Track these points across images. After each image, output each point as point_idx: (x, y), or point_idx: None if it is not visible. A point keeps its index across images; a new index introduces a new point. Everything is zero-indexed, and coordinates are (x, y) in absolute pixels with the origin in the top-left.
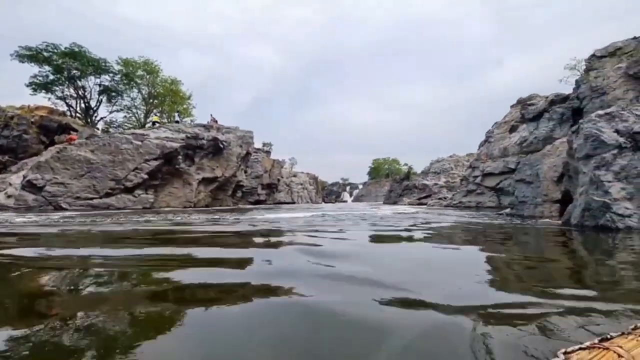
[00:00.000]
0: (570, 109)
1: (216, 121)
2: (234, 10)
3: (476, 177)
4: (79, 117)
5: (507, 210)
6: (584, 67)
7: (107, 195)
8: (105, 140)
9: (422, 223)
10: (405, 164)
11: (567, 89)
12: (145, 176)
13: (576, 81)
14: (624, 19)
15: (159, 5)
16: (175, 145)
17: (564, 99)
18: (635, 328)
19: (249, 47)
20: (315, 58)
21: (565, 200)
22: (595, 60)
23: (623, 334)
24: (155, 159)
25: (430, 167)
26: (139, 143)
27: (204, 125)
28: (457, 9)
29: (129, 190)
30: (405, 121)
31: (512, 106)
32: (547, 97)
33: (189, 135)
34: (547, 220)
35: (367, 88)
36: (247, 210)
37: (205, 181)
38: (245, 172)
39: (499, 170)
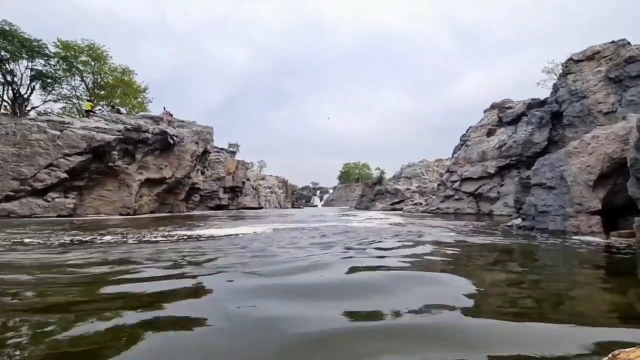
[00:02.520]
0: (549, 113)
1: (171, 115)
2: (200, 7)
3: (454, 182)
4: (5, 107)
5: (518, 222)
6: (560, 71)
7: (8, 199)
8: (8, 127)
9: (413, 243)
10: (378, 169)
11: (544, 93)
12: (64, 175)
13: (554, 85)
14: (566, 39)
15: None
16: (109, 138)
17: (541, 103)
18: None
19: (217, 45)
20: (285, 61)
21: (611, 210)
22: (572, 64)
23: None
24: (80, 154)
25: (402, 172)
26: (57, 133)
27: (152, 117)
28: (420, 24)
29: (39, 193)
30: (374, 127)
31: (486, 111)
32: (524, 101)
33: (129, 127)
34: (590, 238)
35: (336, 93)
36: (193, 219)
37: (150, 183)
38: (203, 173)
39: (478, 175)
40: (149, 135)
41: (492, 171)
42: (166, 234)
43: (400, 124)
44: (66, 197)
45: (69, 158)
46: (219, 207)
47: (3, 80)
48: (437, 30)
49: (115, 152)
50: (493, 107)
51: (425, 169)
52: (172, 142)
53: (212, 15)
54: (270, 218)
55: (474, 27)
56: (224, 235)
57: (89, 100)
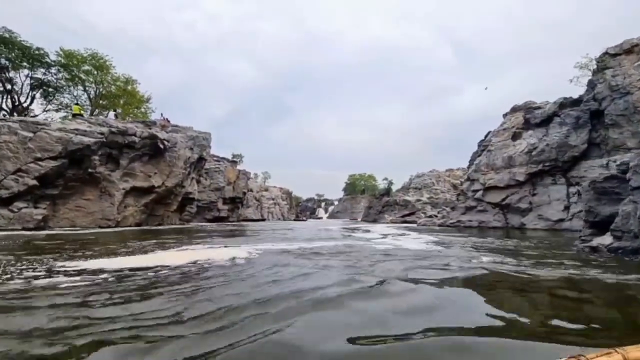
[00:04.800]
0: (587, 112)
1: (168, 121)
2: (206, 23)
3: (476, 191)
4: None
5: (606, 241)
6: (595, 66)
7: None
8: None
9: (465, 281)
10: (385, 179)
11: (576, 91)
12: (33, 182)
13: (590, 81)
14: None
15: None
16: (88, 140)
17: (575, 101)
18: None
19: (221, 60)
20: (287, 75)
21: None
22: (608, 58)
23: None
24: (54, 158)
25: (411, 182)
26: (29, 135)
27: (143, 122)
28: (419, 38)
29: (3, 202)
30: (378, 139)
31: (506, 114)
32: (555, 101)
33: (113, 129)
34: None
35: (339, 106)
36: (175, 233)
37: (137, 192)
38: (199, 182)
39: (504, 184)
40: (136, 139)
41: (522, 178)
42: (67, 265)
43: (403, 136)
44: (35, 207)
45: (40, 163)
46: (218, 219)
47: (2, 89)
48: (438, 43)
49: (96, 157)
50: (514, 109)
51: (436, 179)
52: (162, 146)
53: (216, 31)
54: (261, 236)
55: (473, 41)
56: (199, 262)
57: (76, 104)
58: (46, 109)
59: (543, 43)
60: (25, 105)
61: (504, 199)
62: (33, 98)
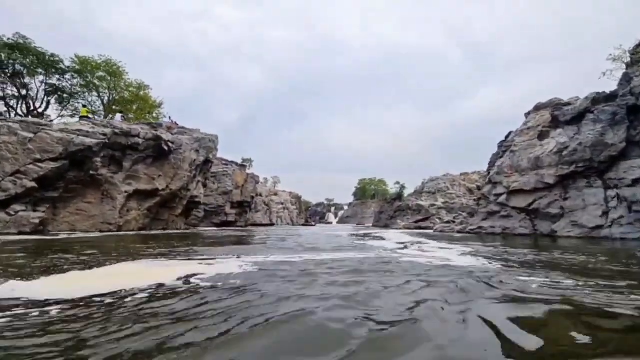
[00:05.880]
0: (624, 107)
1: (177, 124)
2: (218, 30)
3: (499, 195)
4: None
5: None
6: (629, 58)
7: None
8: None
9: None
10: (397, 182)
11: (609, 86)
12: (31, 184)
13: (625, 74)
14: (568, 58)
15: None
16: (90, 141)
17: (609, 96)
18: None
19: (234, 67)
20: (298, 80)
21: None
22: None
23: None
24: (54, 160)
25: (424, 186)
26: (29, 136)
27: (149, 124)
28: (430, 43)
29: (1, 205)
30: (388, 143)
31: (529, 113)
32: (586, 96)
33: (117, 131)
34: None
35: (349, 110)
36: (174, 239)
37: (140, 195)
38: (205, 185)
39: (531, 187)
40: (140, 140)
41: (551, 181)
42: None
43: (414, 140)
44: (34, 211)
45: (39, 164)
46: (225, 224)
47: (17, 94)
48: (449, 46)
49: (98, 159)
50: (538, 107)
51: (450, 183)
52: (166, 148)
53: (229, 39)
54: (257, 246)
55: (485, 43)
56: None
57: (84, 106)
58: (61, 115)
59: (557, 44)
60: (40, 110)
61: (531, 204)
62: (48, 104)
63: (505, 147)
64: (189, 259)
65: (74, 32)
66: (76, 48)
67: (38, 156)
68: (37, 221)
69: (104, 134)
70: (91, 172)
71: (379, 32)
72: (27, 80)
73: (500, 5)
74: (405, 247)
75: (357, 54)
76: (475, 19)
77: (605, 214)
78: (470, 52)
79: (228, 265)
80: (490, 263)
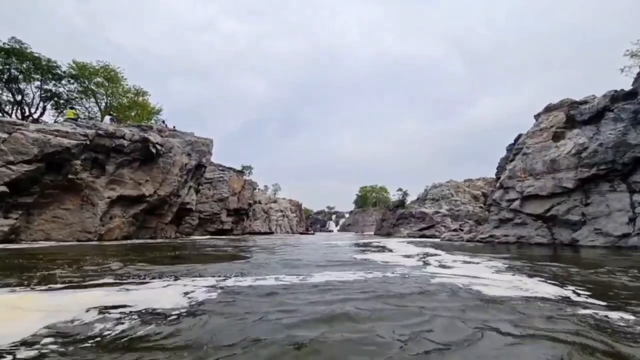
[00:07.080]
0: None
1: (174, 128)
2: (224, 42)
3: (511, 200)
4: None
5: None
6: None
7: None
8: None
9: None
10: (400, 189)
11: (627, 83)
12: (3, 188)
13: None
14: (569, 67)
15: (148, 35)
16: (68, 142)
17: (629, 94)
18: None
19: (238, 76)
20: (301, 89)
21: None
22: None
23: None
24: (28, 162)
25: (427, 193)
26: (3, 136)
27: (138, 126)
28: (431, 52)
29: None
30: (388, 152)
31: (539, 115)
32: (604, 94)
33: (101, 132)
34: None
35: (351, 119)
36: (146, 250)
37: (125, 201)
38: (198, 191)
39: (547, 192)
40: (125, 142)
41: (570, 185)
42: None
43: (415, 148)
44: (5, 217)
45: (11, 167)
46: (221, 232)
47: (12, 100)
48: (450, 55)
49: (78, 162)
50: (549, 109)
51: (455, 189)
52: (154, 151)
53: (233, 49)
54: (253, 254)
55: (485, 52)
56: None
57: (71, 108)
58: (57, 121)
59: (558, 51)
60: (35, 116)
61: (548, 210)
62: (44, 109)
63: (516, 149)
64: (119, 282)
65: (87, 46)
66: (84, 58)
67: (11, 158)
68: (6, 229)
69: (85, 135)
70: (70, 175)
71: (379, 41)
72: (22, 85)
73: (501, 15)
74: (427, 264)
75: (361, 64)
76: (476, 29)
77: (632, 220)
78: (471, 61)
79: (167, 294)
80: (563, 287)
